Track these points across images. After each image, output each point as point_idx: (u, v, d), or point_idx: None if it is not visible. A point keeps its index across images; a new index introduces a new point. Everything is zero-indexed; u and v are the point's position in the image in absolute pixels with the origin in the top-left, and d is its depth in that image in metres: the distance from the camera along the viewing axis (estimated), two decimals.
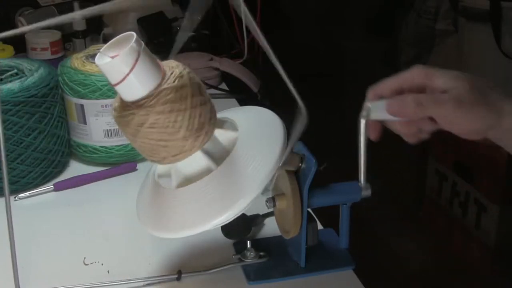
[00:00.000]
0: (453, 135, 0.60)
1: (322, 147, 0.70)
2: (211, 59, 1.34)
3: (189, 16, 0.69)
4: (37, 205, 0.92)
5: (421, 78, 0.61)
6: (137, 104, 0.57)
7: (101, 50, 0.56)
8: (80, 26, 1.38)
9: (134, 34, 0.55)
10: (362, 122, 0.65)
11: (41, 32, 1.35)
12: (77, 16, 0.60)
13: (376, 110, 0.63)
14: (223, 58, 1.37)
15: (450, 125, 0.60)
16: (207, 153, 0.62)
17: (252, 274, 0.75)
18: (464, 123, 0.59)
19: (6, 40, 1.33)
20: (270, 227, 0.82)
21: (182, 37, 0.64)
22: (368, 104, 0.64)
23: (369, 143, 0.64)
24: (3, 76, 0.97)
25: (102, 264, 0.77)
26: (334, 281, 0.75)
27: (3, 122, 0.86)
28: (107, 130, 0.97)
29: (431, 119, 0.60)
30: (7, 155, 0.74)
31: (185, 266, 0.76)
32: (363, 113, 0.64)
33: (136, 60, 0.55)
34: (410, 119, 0.62)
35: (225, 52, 1.46)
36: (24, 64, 0.98)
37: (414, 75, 0.62)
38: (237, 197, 0.59)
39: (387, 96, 0.63)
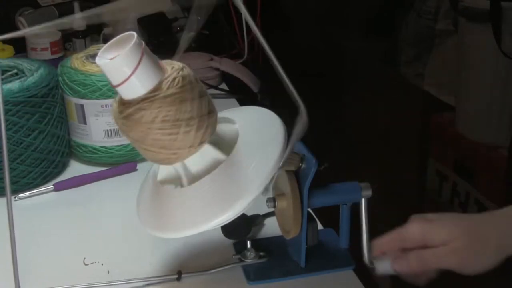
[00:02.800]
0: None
1: (322, 147, 0.70)
2: (211, 59, 1.34)
3: (193, 16, 0.69)
4: (37, 205, 0.92)
5: (419, 235, 0.63)
6: (138, 103, 0.57)
7: (101, 50, 0.56)
8: (80, 26, 1.38)
9: (135, 34, 0.55)
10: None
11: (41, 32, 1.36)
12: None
13: (383, 266, 0.67)
14: (223, 58, 1.37)
15: (461, 271, 0.62)
16: (215, 145, 0.62)
17: (252, 274, 0.75)
18: (473, 267, 0.61)
19: (6, 40, 1.33)
20: (270, 227, 0.82)
21: (185, 38, 0.64)
22: (374, 261, 0.67)
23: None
24: (3, 76, 0.97)
25: (102, 264, 0.77)
26: (334, 281, 0.75)
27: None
28: (107, 130, 0.97)
29: None
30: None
31: (185, 266, 0.76)
32: (369, 264, 0.68)
33: (137, 60, 0.55)
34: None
35: (225, 52, 1.45)
36: (24, 64, 0.98)
37: (411, 231, 0.63)
38: (238, 197, 0.59)
39: (392, 251, 0.65)
